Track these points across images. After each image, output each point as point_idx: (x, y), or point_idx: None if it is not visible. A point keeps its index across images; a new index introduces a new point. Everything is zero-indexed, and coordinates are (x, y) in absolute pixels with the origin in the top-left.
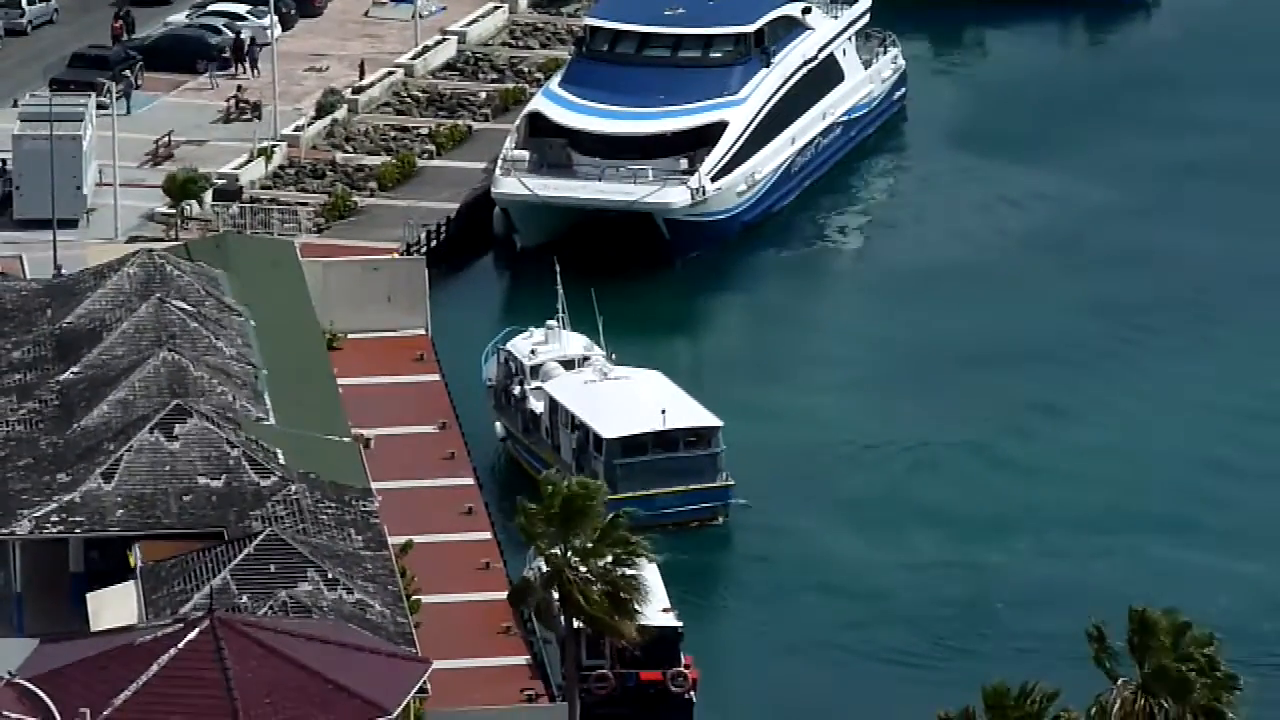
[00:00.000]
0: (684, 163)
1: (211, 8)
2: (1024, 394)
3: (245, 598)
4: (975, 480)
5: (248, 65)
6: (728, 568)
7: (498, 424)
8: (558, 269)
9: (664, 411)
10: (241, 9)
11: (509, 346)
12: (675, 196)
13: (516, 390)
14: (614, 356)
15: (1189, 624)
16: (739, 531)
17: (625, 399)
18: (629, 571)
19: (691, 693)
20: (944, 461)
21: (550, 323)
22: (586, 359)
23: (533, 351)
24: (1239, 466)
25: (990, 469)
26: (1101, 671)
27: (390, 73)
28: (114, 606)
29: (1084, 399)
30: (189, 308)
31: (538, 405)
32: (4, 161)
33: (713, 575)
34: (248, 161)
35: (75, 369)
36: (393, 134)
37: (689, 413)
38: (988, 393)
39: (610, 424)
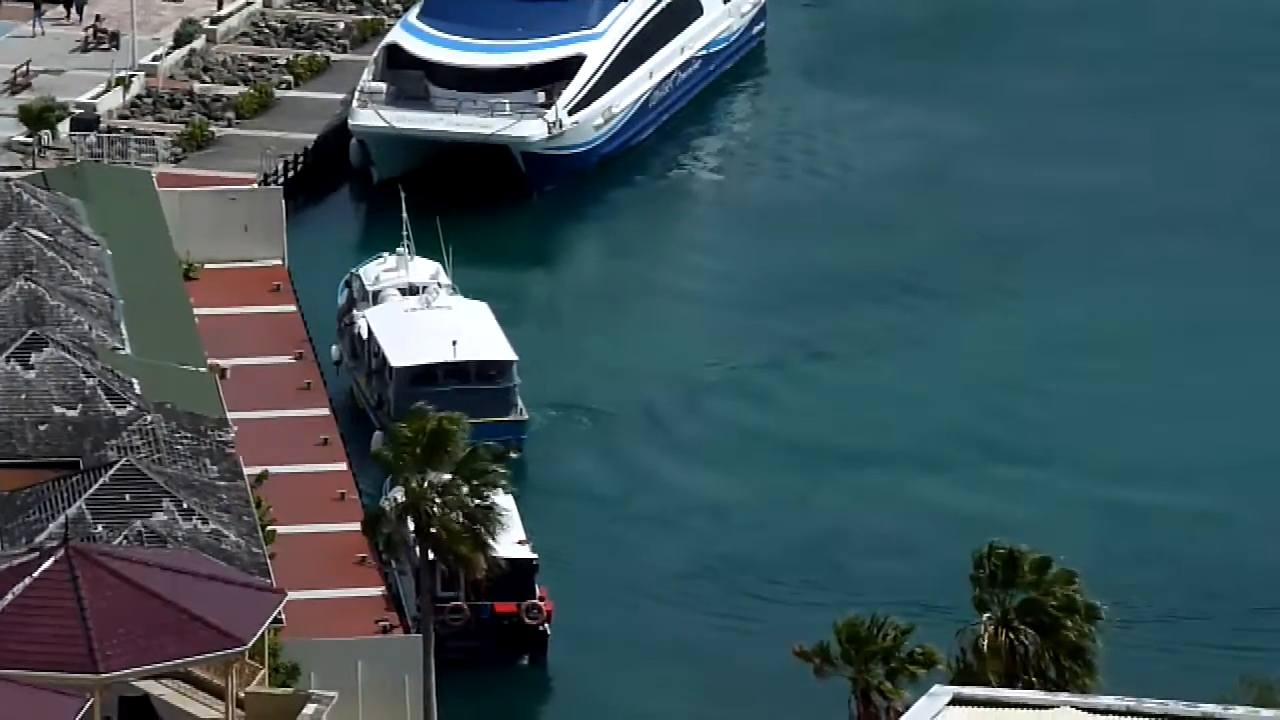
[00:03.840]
0: (541, 96)
1: None
2: (874, 327)
3: (100, 527)
4: (823, 413)
5: (73, 10)
6: (575, 500)
7: (334, 347)
8: (403, 196)
9: (454, 343)
10: None
11: (359, 271)
12: (532, 130)
13: (352, 315)
14: (446, 286)
15: (1049, 560)
16: (578, 462)
17: (433, 329)
18: (485, 504)
19: (546, 625)
20: (791, 394)
21: (400, 250)
22: (425, 287)
23: (377, 278)
24: (1097, 400)
25: (839, 402)
26: (973, 601)
27: (249, 3)
28: None
29: (935, 332)
30: (46, 237)
31: (363, 330)
32: None
33: (560, 508)
34: (105, 91)
35: None
36: (251, 64)
37: (483, 345)
38: (838, 326)
39: (403, 353)
